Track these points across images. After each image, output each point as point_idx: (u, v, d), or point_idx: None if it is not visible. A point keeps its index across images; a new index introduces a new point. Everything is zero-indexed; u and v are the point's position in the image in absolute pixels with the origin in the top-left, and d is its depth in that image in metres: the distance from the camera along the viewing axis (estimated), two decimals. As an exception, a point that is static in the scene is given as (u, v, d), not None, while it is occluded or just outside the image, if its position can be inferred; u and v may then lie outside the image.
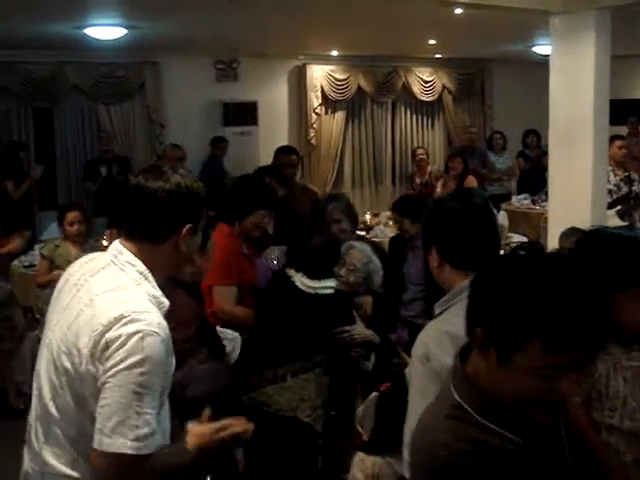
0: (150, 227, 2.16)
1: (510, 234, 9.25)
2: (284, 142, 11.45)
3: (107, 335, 1.97)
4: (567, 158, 6.88)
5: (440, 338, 2.16)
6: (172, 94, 10.76)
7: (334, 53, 11.76)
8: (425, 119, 13.38)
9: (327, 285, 3.83)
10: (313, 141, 12.03)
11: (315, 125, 12.02)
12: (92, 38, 8.09)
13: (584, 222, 6.54)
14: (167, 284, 3.10)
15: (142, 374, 1.96)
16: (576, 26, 6.66)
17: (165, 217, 2.15)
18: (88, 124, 10.56)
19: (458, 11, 7.04)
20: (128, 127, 10.74)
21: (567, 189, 6.86)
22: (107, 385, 1.96)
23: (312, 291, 3.78)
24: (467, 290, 2.04)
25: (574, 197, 6.78)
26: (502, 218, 9.55)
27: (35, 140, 10.15)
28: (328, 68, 12.00)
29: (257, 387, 3.65)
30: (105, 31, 7.84)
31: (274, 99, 11.80)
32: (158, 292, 2.17)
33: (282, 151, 6.34)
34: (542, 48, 9.50)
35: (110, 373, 1.95)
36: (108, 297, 2.05)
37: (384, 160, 13.00)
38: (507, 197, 10.83)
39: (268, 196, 4.39)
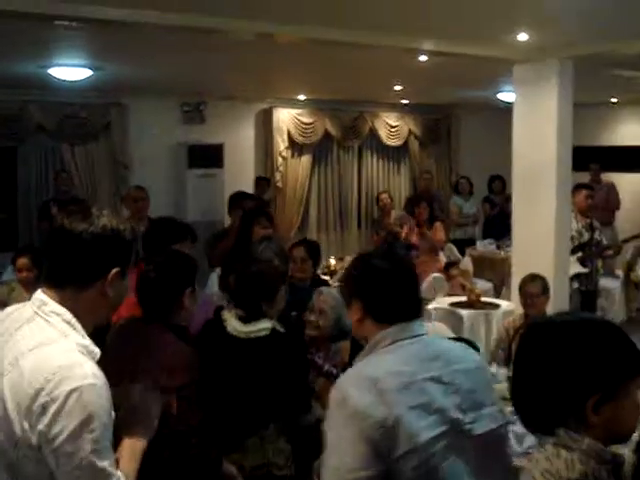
0: (74, 272, 2.06)
1: (475, 279, 9.34)
2: (249, 185, 11.61)
3: (41, 399, 1.86)
4: (530, 204, 7.01)
5: (359, 380, 2.25)
6: (137, 135, 10.75)
7: (301, 97, 11.86)
8: (391, 164, 13.50)
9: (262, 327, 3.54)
10: (279, 184, 12.07)
11: (281, 168, 12.07)
12: (57, 78, 8.09)
13: (547, 268, 6.67)
14: (153, 328, 3.07)
15: (92, 431, 1.89)
16: (539, 75, 6.85)
17: (90, 261, 2.06)
18: (52, 164, 10.50)
19: (422, 58, 7.16)
20: (92, 168, 10.70)
21: (530, 235, 6.98)
22: (60, 456, 1.88)
23: (244, 335, 3.49)
24: (386, 340, 2.35)
25: (537, 243, 6.90)
26: (466, 263, 9.67)
27: (-2, 179, 10.10)
28: (295, 112, 12.09)
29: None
30: (70, 72, 7.85)
31: (240, 142, 11.85)
32: (87, 341, 2.05)
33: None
34: (507, 95, 9.68)
35: (58, 442, 1.87)
36: (35, 356, 1.93)
37: (350, 204, 13.07)
38: (471, 242, 10.96)
39: (179, 230, 4.38)
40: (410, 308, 2.42)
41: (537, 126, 6.91)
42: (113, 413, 2.02)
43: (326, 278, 8.98)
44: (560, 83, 6.71)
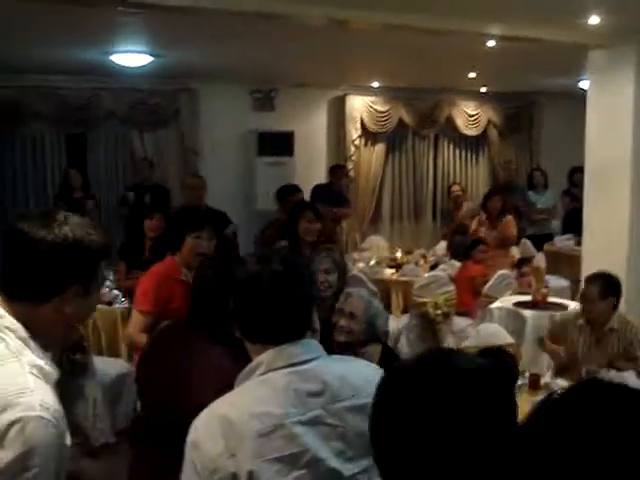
0: (29, 285, 1.81)
1: (548, 276, 8.95)
2: (321, 174, 11.49)
3: None
4: (603, 199, 6.65)
5: (214, 421, 1.86)
6: (207, 122, 10.72)
7: (375, 84, 11.61)
8: (469, 154, 13.10)
9: None
10: (351, 174, 11.85)
11: (354, 157, 11.86)
12: (120, 65, 8.09)
13: (619, 266, 6.31)
14: (199, 340, 2.70)
15: (30, 469, 1.64)
16: (615, 62, 6.45)
17: (46, 275, 1.80)
18: (121, 151, 10.57)
19: (491, 44, 6.83)
20: (162, 154, 10.72)
21: (602, 231, 6.61)
22: None
23: None
24: (260, 368, 1.91)
25: (609, 240, 6.54)
26: (540, 260, 9.27)
27: (67, 166, 10.16)
28: (368, 99, 11.84)
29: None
30: (130, 58, 7.83)
31: (311, 130, 11.68)
32: (42, 361, 1.80)
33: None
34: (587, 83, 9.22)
35: None
36: None
37: (425, 195, 12.76)
38: (549, 237, 10.51)
39: (196, 220, 4.24)
40: (291, 326, 1.96)
41: (612, 117, 6.51)
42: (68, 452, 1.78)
43: (391, 271, 8.78)
44: (637, 71, 6.28)
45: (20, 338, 1.79)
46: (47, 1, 5.31)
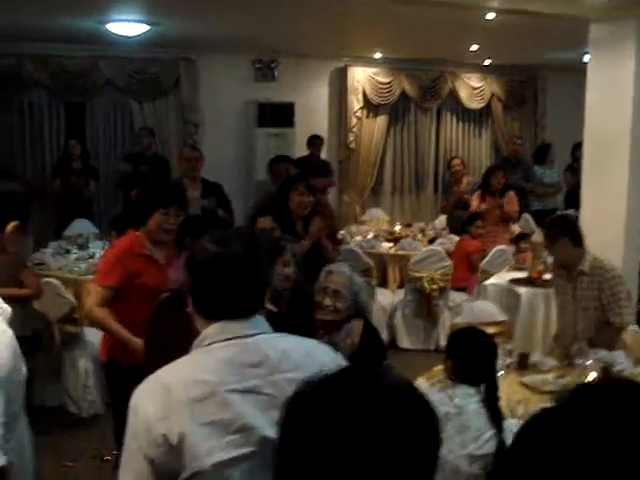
0: None
1: (546, 252, 8.87)
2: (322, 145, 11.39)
3: None
4: (601, 174, 6.56)
5: (155, 386, 1.94)
6: (207, 92, 10.63)
7: (377, 55, 11.47)
8: (472, 127, 13.00)
9: None
10: (352, 145, 11.78)
11: (355, 129, 11.77)
12: (116, 34, 7.99)
13: (617, 242, 6.27)
14: None
15: None
16: (616, 35, 6.33)
17: None
18: (120, 120, 10.49)
19: (490, 16, 6.72)
20: (161, 125, 10.63)
21: (600, 207, 6.53)
22: None
23: None
24: (205, 341, 1.98)
25: (607, 216, 6.45)
26: (539, 235, 9.18)
27: (66, 135, 10.10)
28: (371, 71, 11.73)
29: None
30: (126, 27, 7.72)
31: (313, 101, 11.58)
32: None
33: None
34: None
35: None
36: None
37: (426, 168, 12.67)
38: (552, 213, 10.42)
39: (166, 196, 4.16)
40: (244, 305, 2.02)
41: (612, 91, 6.38)
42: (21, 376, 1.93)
43: (389, 245, 8.70)
44: (638, 45, 6.16)
45: None
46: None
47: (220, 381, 1.90)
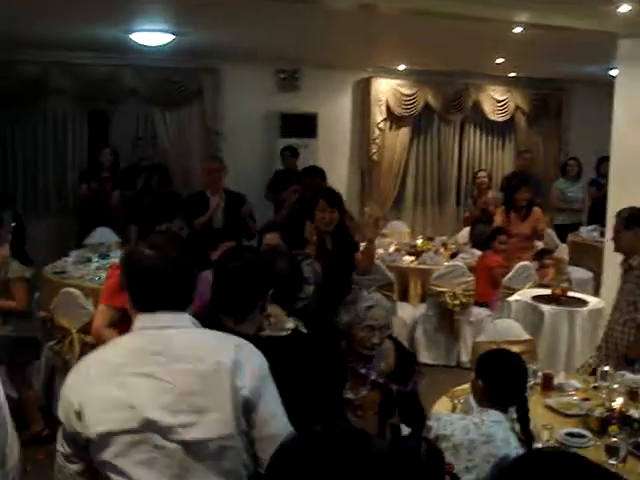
0: None
1: (571, 268, 8.79)
2: (344, 156, 11.53)
3: None
4: (628, 191, 6.45)
5: (75, 369, 2.30)
6: (230, 102, 10.63)
7: (401, 67, 11.43)
8: (495, 140, 12.91)
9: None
10: (375, 157, 11.72)
11: (378, 141, 11.70)
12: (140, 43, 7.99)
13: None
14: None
15: None
16: (645, 51, 6.23)
17: None
18: (143, 129, 10.52)
19: (517, 30, 6.66)
20: (184, 134, 10.64)
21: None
22: None
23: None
24: (135, 327, 2.28)
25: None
26: (563, 251, 9.10)
27: (89, 144, 10.13)
28: (395, 82, 11.67)
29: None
30: (151, 37, 7.72)
31: (336, 112, 11.55)
32: None
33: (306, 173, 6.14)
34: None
35: None
36: None
37: (449, 180, 12.59)
38: (575, 227, 10.33)
39: (166, 209, 4.09)
40: (174, 300, 2.29)
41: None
42: None
43: (410, 258, 8.63)
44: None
45: None
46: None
47: (124, 363, 2.19)
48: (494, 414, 3.17)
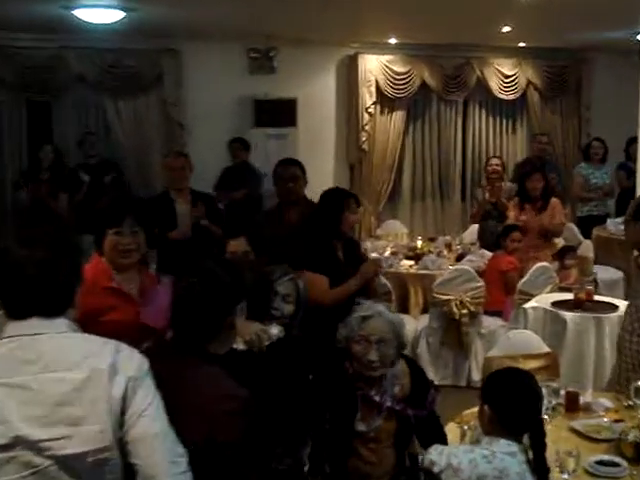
0: None
1: (597, 267, 8.78)
2: (329, 147, 11.65)
3: None
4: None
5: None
6: (194, 88, 10.68)
7: (392, 41, 11.46)
8: (504, 122, 12.88)
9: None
10: (365, 146, 11.76)
11: (368, 127, 11.74)
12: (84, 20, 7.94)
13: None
14: (190, 359, 2.80)
15: None
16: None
17: None
18: (93, 122, 10.48)
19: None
20: (141, 126, 10.63)
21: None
22: None
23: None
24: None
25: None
26: (586, 248, 9.08)
27: (28, 139, 10.08)
28: (385, 59, 11.71)
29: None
30: (97, 13, 7.67)
31: (318, 96, 11.59)
32: None
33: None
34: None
35: None
36: None
37: (452, 170, 12.59)
38: (602, 220, 10.30)
39: (113, 212, 4.05)
40: (47, 305, 2.37)
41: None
42: None
43: (410, 263, 8.61)
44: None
45: None
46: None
47: None
48: (506, 444, 3.11)
